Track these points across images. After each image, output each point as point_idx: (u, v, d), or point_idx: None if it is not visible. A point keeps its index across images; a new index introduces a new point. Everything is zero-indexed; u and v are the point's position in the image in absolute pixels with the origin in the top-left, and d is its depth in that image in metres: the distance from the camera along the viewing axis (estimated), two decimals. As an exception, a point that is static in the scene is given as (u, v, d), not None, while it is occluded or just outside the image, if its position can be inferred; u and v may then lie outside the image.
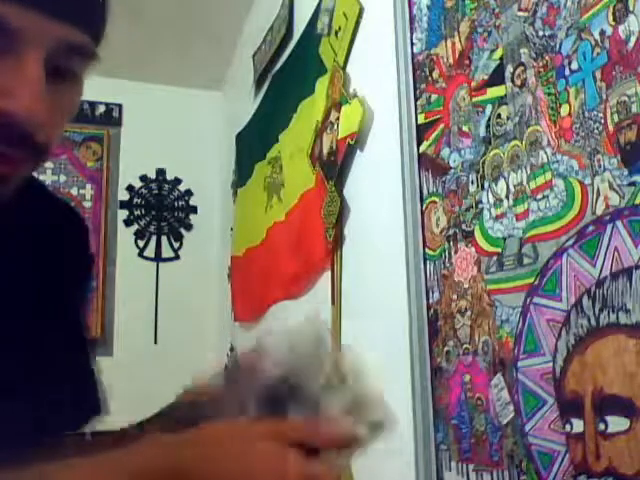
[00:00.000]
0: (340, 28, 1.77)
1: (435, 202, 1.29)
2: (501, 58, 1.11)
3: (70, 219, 0.78)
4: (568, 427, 0.91)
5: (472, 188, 1.17)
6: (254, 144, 2.64)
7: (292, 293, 2.07)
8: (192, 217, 3.42)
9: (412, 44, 1.41)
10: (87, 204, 3.22)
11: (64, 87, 0.58)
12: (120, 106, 3.34)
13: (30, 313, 0.66)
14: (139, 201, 3.36)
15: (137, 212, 3.35)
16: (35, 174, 0.67)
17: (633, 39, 0.84)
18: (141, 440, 0.56)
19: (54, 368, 0.65)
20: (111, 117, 3.32)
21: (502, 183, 1.09)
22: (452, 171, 1.24)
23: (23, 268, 0.67)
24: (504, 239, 1.08)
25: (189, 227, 3.41)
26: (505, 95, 1.10)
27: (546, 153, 0.99)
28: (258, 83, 2.66)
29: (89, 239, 0.82)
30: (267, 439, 0.56)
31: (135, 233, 3.33)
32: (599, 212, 0.88)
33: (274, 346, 0.62)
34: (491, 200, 1.12)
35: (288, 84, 2.28)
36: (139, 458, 0.55)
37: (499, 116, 1.11)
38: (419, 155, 1.36)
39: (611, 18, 0.88)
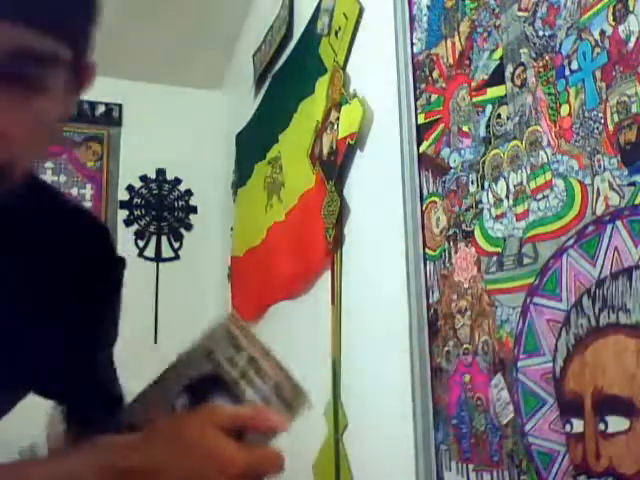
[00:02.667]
0: (340, 28, 1.77)
1: (435, 202, 1.29)
2: (501, 58, 1.11)
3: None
4: (568, 427, 0.91)
5: (472, 188, 1.17)
6: (254, 144, 2.64)
7: (292, 293, 2.07)
8: (192, 217, 3.42)
9: (412, 44, 1.41)
10: (87, 204, 3.22)
11: (30, 97, 0.51)
12: (120, 106, 3.33)
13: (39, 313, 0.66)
14: (139, 201, 3.36)
15: (137, 212, 3.34)
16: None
17: (633, 39, 0.84)
18: (88, 443, 0.57)
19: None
20: (111, 117, 3.31)
21: (502, 183, 1.09)
22: (452, 171, 1.24)
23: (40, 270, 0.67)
24: (504, 239, 1.08)
25: (189, 227, 3.40)
26: (505, 95, 1.10)
27: (546, 153, 0.99)
28: (258, 83, 2.66)
29: (110, 244, 0.80)
30: (198, 427, 0.56)
31: (135, 233, 3.32)
32: (599, 212, 0.88)
33: (191, 352, 0.68)
34: (491, 200, 1.12)
35: (288, 84, 2.28)
36: (77, 460, 0.56)
37: (499, 116, 1.11)
38: (419, 155, 1.35)
39: (611, 18, 0.88)
